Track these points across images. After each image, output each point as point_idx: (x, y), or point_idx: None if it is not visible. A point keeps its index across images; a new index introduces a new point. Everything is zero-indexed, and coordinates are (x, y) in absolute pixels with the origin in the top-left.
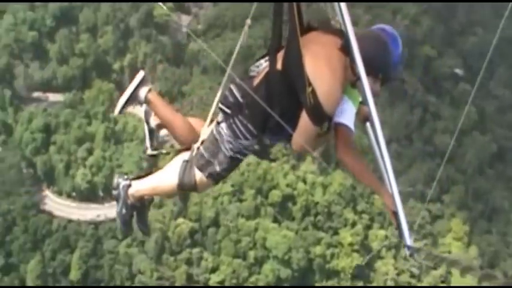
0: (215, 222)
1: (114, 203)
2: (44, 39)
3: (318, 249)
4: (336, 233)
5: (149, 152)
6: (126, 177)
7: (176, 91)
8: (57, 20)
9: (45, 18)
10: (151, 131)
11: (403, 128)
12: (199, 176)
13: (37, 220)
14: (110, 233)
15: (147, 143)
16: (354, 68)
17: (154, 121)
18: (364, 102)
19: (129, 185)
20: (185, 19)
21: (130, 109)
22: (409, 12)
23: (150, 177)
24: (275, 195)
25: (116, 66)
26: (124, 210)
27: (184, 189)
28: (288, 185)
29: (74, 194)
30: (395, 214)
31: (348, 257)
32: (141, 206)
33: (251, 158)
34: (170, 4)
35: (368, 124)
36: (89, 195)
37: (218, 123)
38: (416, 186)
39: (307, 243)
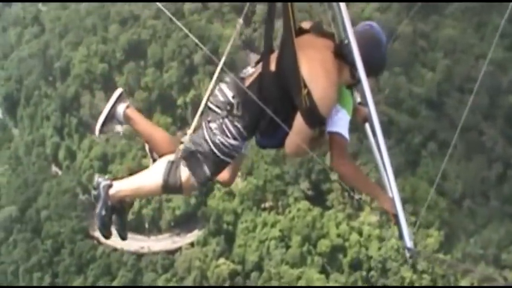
0: (259, 267)
1: (160, 236)
2: (113, 71)
3: None
4: None
5: None
6: (107, 177)
7: None
8: (126, 53)
9: (115, 51)
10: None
11: (479, 183)
12: (185, 176)
13: (83, 245)
14: (151, 265)
15: None
16: (353, 72)
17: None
18: (364, 103)
19: (110, 186)
20: (254, 58)
21: (111, 128)
22: (496, 57)
23: (132, 177)
24: (323, 245)
25: (180, 101)
26: (103, 212)
27: (169, 190)
28: (338, 235)
29: None
30: (395, 217)
31: None
32: (120, 208)
33: (301, 204)
34: (239, 42)
35: (367, 125)
36: (136, 226)
37: (208, 121)
38: (489, 249)
39: None
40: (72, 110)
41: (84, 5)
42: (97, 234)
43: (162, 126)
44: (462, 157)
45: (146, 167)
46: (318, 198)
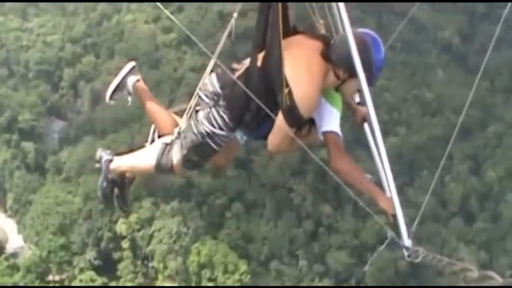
0: None
1: None
2: None
3: None
4: None
5: None
6: (109, 152)
7: (24, 199)
8: None
9: None
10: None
11: (288, 243)
12: (176, 160)
13: None
14: None
15: None
16: (337, 72)
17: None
18: (362, 103)
19: (111, 160)
20: (59, 125)
21: (120, 97)
22: None
23: (131, 154)
24: None
25: None
26: (104, 184)
27: (161, 171)
28: None
29: None
30: (393, 217)
31: None
32: (121, 183)
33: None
34: (42, 109)
35: (366, 125)
36: None
37: (196, 111)
38: None
39: None
40: None
41: None
42: None
43: None
44: (272, 216)
45: None
46: (106, 267)
